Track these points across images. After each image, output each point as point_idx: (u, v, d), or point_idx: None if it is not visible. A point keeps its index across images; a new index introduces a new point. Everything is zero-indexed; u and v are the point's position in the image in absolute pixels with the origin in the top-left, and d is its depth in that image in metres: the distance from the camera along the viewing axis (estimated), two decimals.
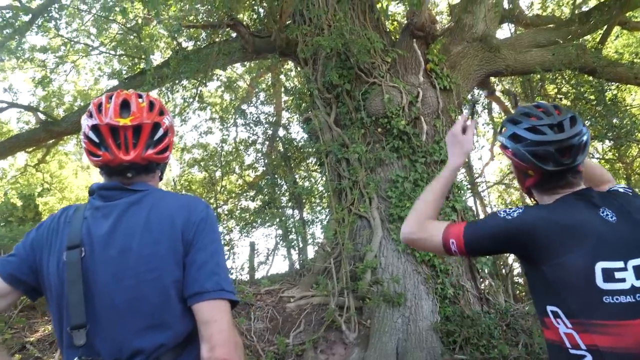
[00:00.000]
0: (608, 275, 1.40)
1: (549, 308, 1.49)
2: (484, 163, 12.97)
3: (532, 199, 1.75)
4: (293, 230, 8.45)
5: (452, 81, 7.36)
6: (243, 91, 13.30)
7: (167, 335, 1.40)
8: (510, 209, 1.59)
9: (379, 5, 8.45)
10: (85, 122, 1.51)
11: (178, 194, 1.62)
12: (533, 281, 1.57)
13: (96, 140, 1.50)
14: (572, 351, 1.43)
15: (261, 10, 8.61)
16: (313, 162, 9.79)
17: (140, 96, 1.58)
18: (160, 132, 1.56)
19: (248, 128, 11.33)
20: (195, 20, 8.08)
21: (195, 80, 9.14)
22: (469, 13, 8.08)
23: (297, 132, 12.13)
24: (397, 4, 10.84)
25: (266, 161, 11.24)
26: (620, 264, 1.41)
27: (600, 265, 1.41)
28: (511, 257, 9.80)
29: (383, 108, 6.70)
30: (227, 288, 1.43)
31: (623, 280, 1.39)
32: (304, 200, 9.53)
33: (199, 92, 10.63)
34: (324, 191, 8.09)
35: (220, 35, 8.10)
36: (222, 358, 1.33)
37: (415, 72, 7.20)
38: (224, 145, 11.89)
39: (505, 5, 9.49)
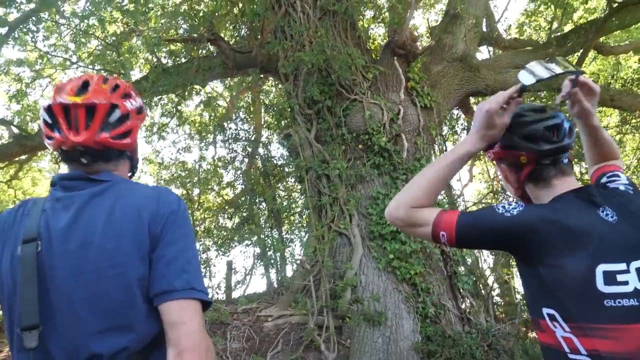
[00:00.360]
0: (609, 278, 1.31)
1: (545, 310, 1.39)
2: (462, 184, 13.03)
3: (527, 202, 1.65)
4: (272, 248, 8.27)
5: (432, 99, 7.38)
6: (223, 109, 13.22)
7: (130, 338, 1.25)
8: (509, 204, 1.48)
9: (360, 24, 8.49)
10: (42, 104, 1.38)
11: (147, 185, 1.47)
12: (528, 281, 1.47)
13: (49, 121, 1.37)
14: (572, 356, 1.33)
15: (242, 26, 8.57)
16: (293, 180, 9.68)
17: (106, 79, 1.44)
18: (117, 113, 1.40)
19: (227, 145, 11.23)
20: (175, 35, 8.00)
21: (175, 95, 9.03)
22: (449, 33, 8.18)
23: (277, 149, 12.08)
24: (378, 26, 10.96)
25: (245, 179, 11.11)
26: (622, 266, 1.32)
27: (601, 268, 1.32)
28: (491, 278, 9.78)
29: (364, 124, 6.66)
30: (198, 287, 1.29)
31: (626, 283, 1.31)
32: (282, 218, 9.37)
33: (178, 108, 10.52)
34: (303, 209, 7.95)
35: (200, 51, 8.01)
36: None
37: (396, 89, 7.20)
38: (202, 164, 11.76)
39: (484, 28, 9.65)
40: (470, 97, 8.90)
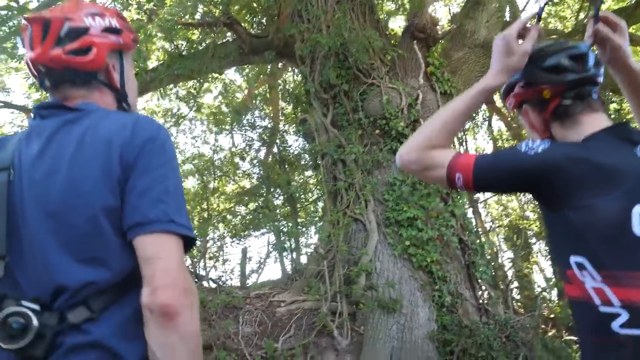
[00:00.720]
0: None
1: (573, 259, 1.24)
2: None
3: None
4: (287, 234, 8.18)
5: (452, 85, 7.19)
6: (240, 100, 13.15)
7: (98, 273, 1.13)
8: (533, 142, 1.33)
9: (380, 10, 8.33)
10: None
11: (125, 113, 1.35)
12: (553, 227, 1.32)
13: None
14: (603, 309, 1.18)
15: (259, 9, 8.48)
16: (309, 171, 9.58)
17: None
18: (67, 26, 1.28)
19: (244, 133, 11.17)
20: (191, 20, 7.94)
21: (191, 81, 8.98)
22: (470, 19, 7.96)
23: (295, 140, 11.99)
24: (398, 16, 10.78)
25: (261, 168, 11.03)
26: None
27: (638, 209, 1.18)
28: (511, 271, 9.54)
29: (381, 109, 6.52)
30: (178, 220, 1.15)
31: None
32: (298, 208, 9.29)
33: (194, 94, 10.47)
34: (318, 197, 7.86)
35: (216, 34, 7.94)
36: (165, 303, 1.05)
37: (415, 75, 7.04)
38: (219, 154, 11.71)
39: (507, 16, 9.40)
40: None
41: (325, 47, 6.33)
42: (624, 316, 1.15)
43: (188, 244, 1.19)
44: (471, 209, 9.85)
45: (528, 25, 1.45)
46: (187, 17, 7.92)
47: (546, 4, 1.46)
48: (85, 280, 1.12)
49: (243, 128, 11.29)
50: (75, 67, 1.29)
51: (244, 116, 11.18)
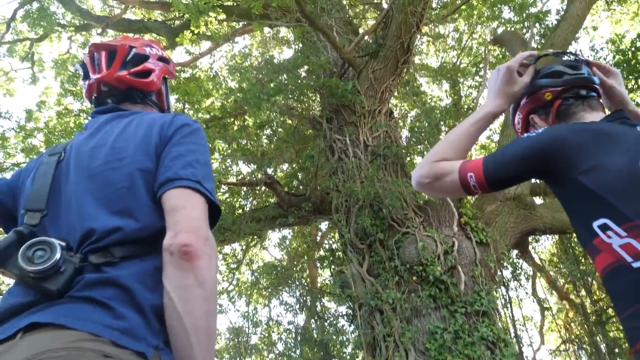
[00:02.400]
0: None
1: (596, 224, 1.22)
2: (534, 348, 11.82)
3: None
4: None
5: (488, 235, 7.21)
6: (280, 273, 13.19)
7: (126, 222, 1.18)
8: (535, 130, 1.43)
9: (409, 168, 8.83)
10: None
11: None
12: (572, 203, 1.32)
13: (82, 72, 1.57)
14: (636, 264, 1.12)
15: (297, 169, 9.12)
16: (345, 317, 9.18)
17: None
18: (133, 52, 1.53)
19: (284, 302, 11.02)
20: (235, 179, 8.58)
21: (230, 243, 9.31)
22: None
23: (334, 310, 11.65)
24: None
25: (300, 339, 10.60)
26: None
27: None
28: None
29: (417, 256, 6.50)
30: (205, 185, 1.23)
31: None
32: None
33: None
34: (355, 348, 7.42)
35: (257, 194, 8.46)
36: (185, 243, 1.09)
37: (449, 224, 7.14)
38: (256, 330, 11.46)
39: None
40: (529, 237, 8.61)
41: (359, 195, 6.63)
42: None
43: (212, 220, 1.25)
44: None
45: (525, 61, 1.64)
46: (230, 179, 8.58)
47: (544, 55, 1.67)
48: (112, 225, 1.16)
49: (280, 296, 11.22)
50: (136, 86, 1.53)
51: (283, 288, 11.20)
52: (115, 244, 1.15)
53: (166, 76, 1.66)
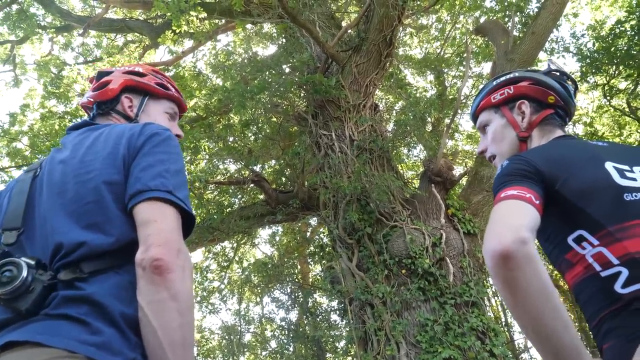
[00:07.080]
0: (621, 172, 1.26)
1: (571, 237, 1.26)
2: None
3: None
4: None
5: (475, 226, 7.26)
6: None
7: (94, 236, 1.18)
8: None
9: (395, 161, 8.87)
10: None
11: None
12: (549, 219, 1.31)
13: None
14: (604, 273, 1.17)
15: (285, 165, 9.12)
16: (337, 312, 9.25)
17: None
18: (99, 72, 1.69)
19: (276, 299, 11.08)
20: (223, 178, 8.56)
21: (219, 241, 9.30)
22: (485, 166, 8.34)
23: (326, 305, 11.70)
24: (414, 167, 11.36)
25: (293, 334, 10.67)
26: (627, 167, 1.29)
27: (610, 164, 1.28)
28: None
29: (406, 249, 6.55)
30: (177, 194, 1.23)
31: (634, 179, 1.26)
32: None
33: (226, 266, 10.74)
34: (347, 343, 7.48)
35: (244, 192, 8.46)
36: (156, 257, 1.09)
37: (437, 216, 7.18)
38: (249, 327, 11.51)
39: None
40: None
41: (346, 190, 6.65)
42: (624, 274, 1.13)
43: (187, 228, 1.25)
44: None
45: None
46: (217, 177, 8.56)
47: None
48: (78, 239, 1.17)
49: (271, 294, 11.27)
50: (97, 100, 1.64)
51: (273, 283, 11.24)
52: (84, 259, 1.16)
53: (132, 85, 1.65)
